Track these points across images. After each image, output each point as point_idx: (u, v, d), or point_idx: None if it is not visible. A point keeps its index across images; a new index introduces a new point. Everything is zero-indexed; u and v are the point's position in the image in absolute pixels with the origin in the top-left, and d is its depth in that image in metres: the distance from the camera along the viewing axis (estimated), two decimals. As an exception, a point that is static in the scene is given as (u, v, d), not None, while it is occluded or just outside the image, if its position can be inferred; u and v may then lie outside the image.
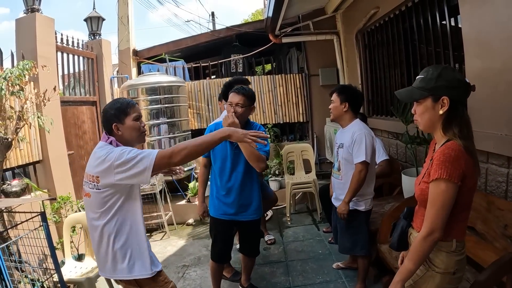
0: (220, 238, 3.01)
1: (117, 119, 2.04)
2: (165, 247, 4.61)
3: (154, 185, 4.85)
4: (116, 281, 2.15)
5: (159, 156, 1.86)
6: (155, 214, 5.05)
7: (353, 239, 3.00)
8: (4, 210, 3.19)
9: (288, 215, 5.09)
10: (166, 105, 5.45)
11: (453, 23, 3.17)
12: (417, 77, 1.61)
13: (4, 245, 2.70)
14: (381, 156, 3.99)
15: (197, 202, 3.45)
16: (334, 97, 2.99)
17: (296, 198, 5.66)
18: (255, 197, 2.98)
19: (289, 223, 4.99)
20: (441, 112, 1.53)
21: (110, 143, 2.01)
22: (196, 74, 6.99)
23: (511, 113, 2.38)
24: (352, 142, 2.85)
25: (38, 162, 3.97)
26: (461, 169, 1.46)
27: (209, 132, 2.83)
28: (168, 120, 5.50)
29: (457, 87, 1.51)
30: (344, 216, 2.89)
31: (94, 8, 6.12)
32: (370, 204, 3.00)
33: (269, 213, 5.17)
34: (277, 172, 5.95)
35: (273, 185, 5.63)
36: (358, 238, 2.98)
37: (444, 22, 3.27)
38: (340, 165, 3.01)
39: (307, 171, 5.61)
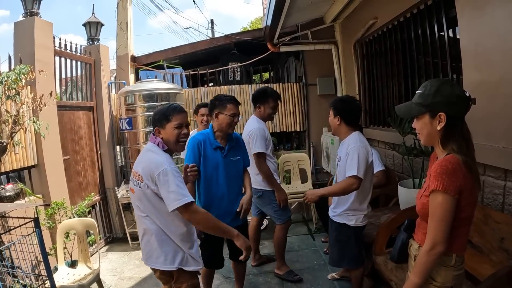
0: (210, 243, 2.94)
1: (159, 123, 2.22)
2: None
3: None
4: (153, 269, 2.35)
5: (186, 208, 2.05)
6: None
7: (340, 252, 2.96)
8: (-3, 215, 3.15)
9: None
10: (164, 112, 5.39)
11: (451, 35, 3.19)
12: (416, 91, 1.62)
13: (-4, 250, 2.66)
14: (377, 167, 3.98)
15: None
16: (331, 110, 2.96)
17: (292, 207, 5.63)
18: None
19: (285, 232, 4.95)
20: (438, 128, 1.53)
21: (157, 144, 2.21)
22: (194, 82, 6.95)
23: (508, 126, 2.38)
24: (346, 155, 2.79)
25: (33, 166, 3.94)
26: (458, 182, 1.45)
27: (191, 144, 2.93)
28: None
29: (455, 103, 1.50)
30: (308, 200, 2.90)
31: (93, 13, 6.12)
32: (362, 221, 2.88)
33: (265, 222, 5.13)
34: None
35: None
36: (345, 252, 2.93)
37: (442, 33, 3.28)
38: (337, 178, 2.98)
39: (304, 180, 5.60)
